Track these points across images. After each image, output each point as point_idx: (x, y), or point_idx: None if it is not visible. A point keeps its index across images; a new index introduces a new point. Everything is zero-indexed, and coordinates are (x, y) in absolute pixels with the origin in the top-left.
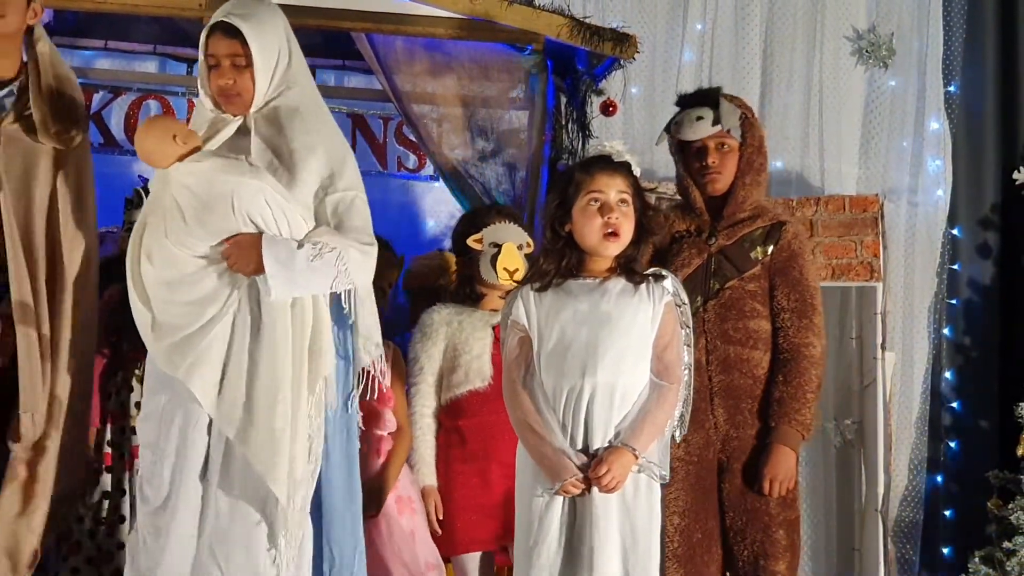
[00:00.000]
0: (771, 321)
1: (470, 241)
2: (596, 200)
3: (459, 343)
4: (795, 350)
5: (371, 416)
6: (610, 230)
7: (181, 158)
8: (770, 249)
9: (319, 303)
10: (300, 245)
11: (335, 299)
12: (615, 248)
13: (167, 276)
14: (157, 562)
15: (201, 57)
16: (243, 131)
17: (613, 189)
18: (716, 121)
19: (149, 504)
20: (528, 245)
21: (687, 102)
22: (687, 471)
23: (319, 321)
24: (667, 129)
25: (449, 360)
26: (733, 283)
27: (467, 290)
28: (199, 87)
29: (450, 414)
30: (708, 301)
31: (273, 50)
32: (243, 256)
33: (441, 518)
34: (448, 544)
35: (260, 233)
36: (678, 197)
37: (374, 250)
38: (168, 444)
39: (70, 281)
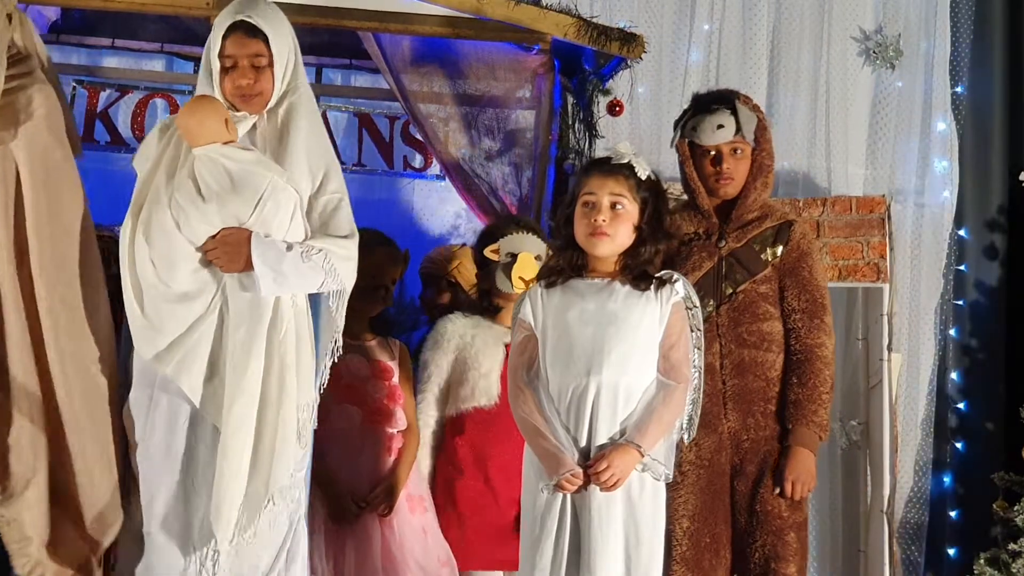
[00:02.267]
0: (782, 322)
1: (487, 252)
2: (588, 202)
3: (469, 357)
4: (808, 351)
5: (383, 414)
6: (594, 230)
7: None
8: (779, 250)
9: (302, 326)
10: (289, 247)
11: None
12: (602, 248)
13: (160, 253)
14: (148, 559)
15: (214, 58)
16: (251, 130)
17: (605, 191)
18: (737, 130)
19: (141, 498)
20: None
21: (703, 104)
22: (698, 475)
23: (301, 344)
24: (678, 128)
25: (458, 373)
26: (745, 286)
27: (486, 303)
28: (208, 87)
29: (454, 428)
30: (721, 305)
31: (286, 51)
32: (230, 254)
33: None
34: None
35: (247, 232)
36: (684, 198)
37: (355, 250)
38: (152, 438)
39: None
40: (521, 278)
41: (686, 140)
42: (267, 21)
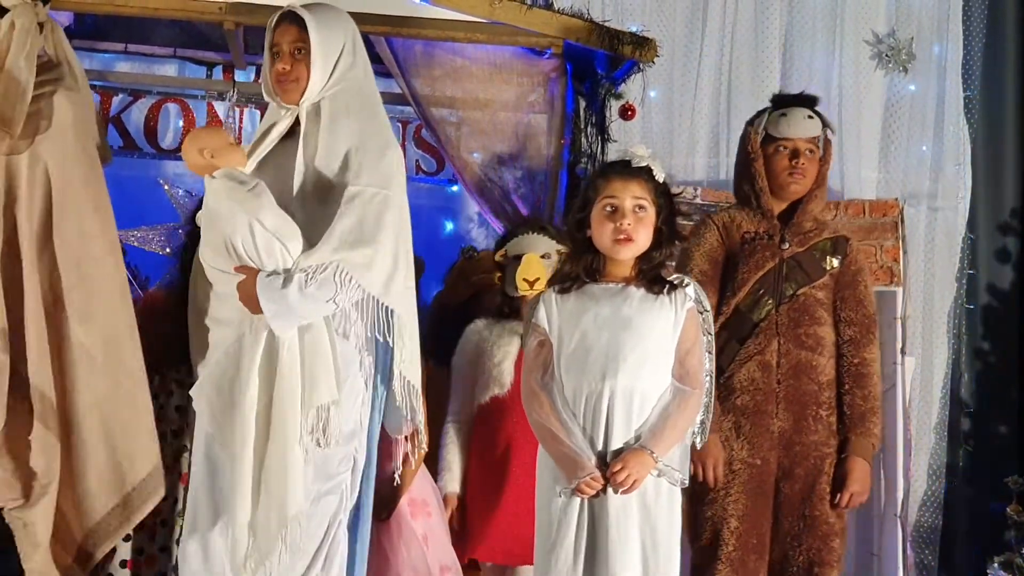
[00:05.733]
0: (834, 331)
1: (497, 257)
2: (610, 206)
3: (485, 351)
4: (866, 364)
5: None
6: (621, 235)
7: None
8: (836, 261)
9: (318, 329)
10: (287, 279)
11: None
12: (627, 253)
13: (209, 282)
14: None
15: (266, 49)
16: (295, 126)
17: (628, 194)
18: (824, 126)
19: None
20: (558, 253)
21: (786, 101)
22: (750, 474)
23: (316, 345)
24: (753, 124)
25: (477, 369)
26: (805, 289)
27: (505, 309)
28: (263, 78)
29: (479, 420)
30: (780, 305)
31: (334, 44)
32: (246, 297)
33: (455, 526)
34: (465, 548)
35: (255, 273)
36: (697, 202)
37: (372, 251)
38: (198, 440)
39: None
40: (525, 279)
41: (759, 136)
42: (311, 12)
